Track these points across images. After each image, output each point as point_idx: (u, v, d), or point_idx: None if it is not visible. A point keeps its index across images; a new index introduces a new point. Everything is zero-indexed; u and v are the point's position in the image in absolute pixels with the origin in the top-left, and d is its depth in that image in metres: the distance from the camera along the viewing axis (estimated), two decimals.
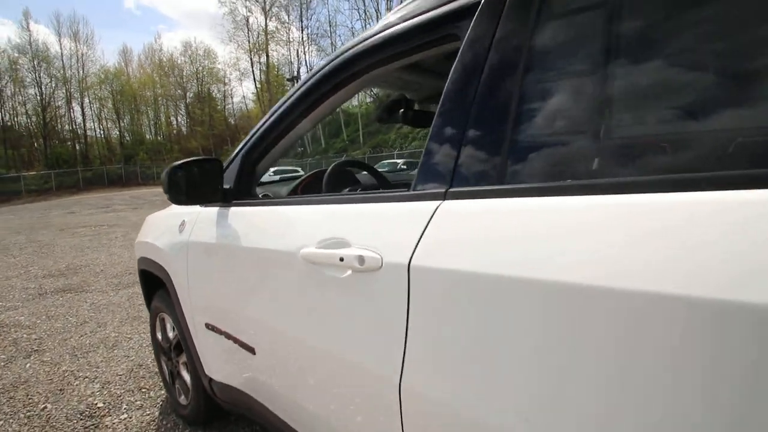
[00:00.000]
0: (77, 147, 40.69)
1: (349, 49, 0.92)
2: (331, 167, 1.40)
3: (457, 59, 0.66)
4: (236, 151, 1.20)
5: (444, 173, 0.63)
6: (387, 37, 0.83)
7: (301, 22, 37.51)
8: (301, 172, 20.71)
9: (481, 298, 0.53)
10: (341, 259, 0.71)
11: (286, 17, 37.66)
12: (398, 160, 17.35)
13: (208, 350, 1.30)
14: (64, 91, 39.61)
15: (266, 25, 38.01)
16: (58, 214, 12.68)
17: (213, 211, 1.22)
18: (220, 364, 1.26)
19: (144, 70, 44.49)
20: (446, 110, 0.66)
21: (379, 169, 1.70)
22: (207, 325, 1.24)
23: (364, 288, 0.69)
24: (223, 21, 64.20)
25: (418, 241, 0.61)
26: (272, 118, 1.09)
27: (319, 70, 0.99)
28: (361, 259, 0.68)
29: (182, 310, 1.38)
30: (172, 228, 1.42)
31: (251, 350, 1.04)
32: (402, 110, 1.45)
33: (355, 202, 0.80)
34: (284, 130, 1.10)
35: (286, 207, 0.97)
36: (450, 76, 0.67)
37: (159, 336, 1.76)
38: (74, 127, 41.01)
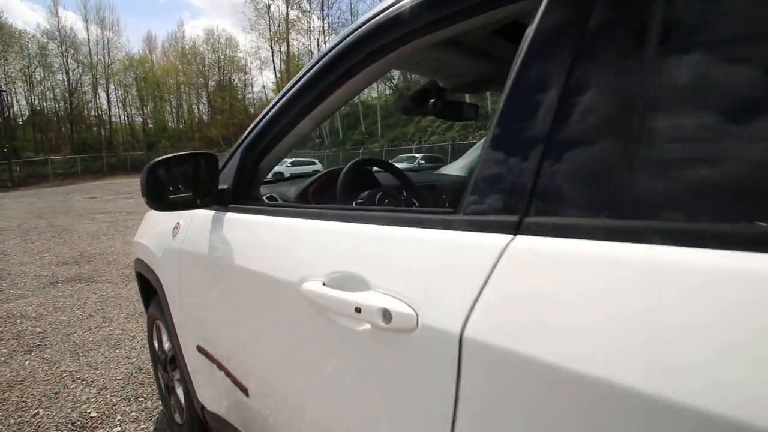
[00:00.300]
0: (102, 133, 41.67)
1: (371, 19, 0.71)
2: (346, 167, 1.19)
3: (535, 24, 0.44)
4: (236, 145, 1.01)
5: (515, 193, 0.42)
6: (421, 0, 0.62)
7: (323, 11, 37.23)
8: (318, 165, 20.68)
9: (592, 411, 0.32)
10: (357, 310, 0.51)
11: (307, 6, 37.45)
12: (417, 155, 17.07)
13: (199, 374, 1.13)
14: (90, 76, 40.56)
15: (287, 13, 37.89)
16: (80, 199, 12.91)
17: (208, 215, 1.03)
18: (211, 392, 1.09)
19: (167, 58, 45.10)
20: (517, 102, 0.45)
21: (397, 164, 1.48)
22: (198, 348, 1.06)
23: (388, 354, 0.49)
24: (245, 8, 64.31)
25: (478, 297, 0.40)
26: (279, 106, 0.90)
27: (334, 48, 0.78)
28: (386, 315, 0.47)
29: (173, 325, 1.21)
30: (166, 230, 1.25)
31: (244, 390, 0.86)
32: (433, 100, 1.24)
33: (379, 222, 0.58)
34: (293, 120, 0.90)
35: (290, 219, 0.77)
36: (523, 51, 0.45)
37: (156, 344, 1.61)
38: (99, 113, 42.00)
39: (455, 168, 2.04)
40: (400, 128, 26.18)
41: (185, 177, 0.91)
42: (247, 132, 0.99)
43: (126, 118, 43.78)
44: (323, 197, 1.30)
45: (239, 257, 0.83)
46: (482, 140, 1.99)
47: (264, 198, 1.13)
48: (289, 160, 18.32)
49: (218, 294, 0.93)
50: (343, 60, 0.77)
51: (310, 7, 37.64)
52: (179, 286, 1.13)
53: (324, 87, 0.82)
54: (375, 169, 1.44)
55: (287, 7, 37.87)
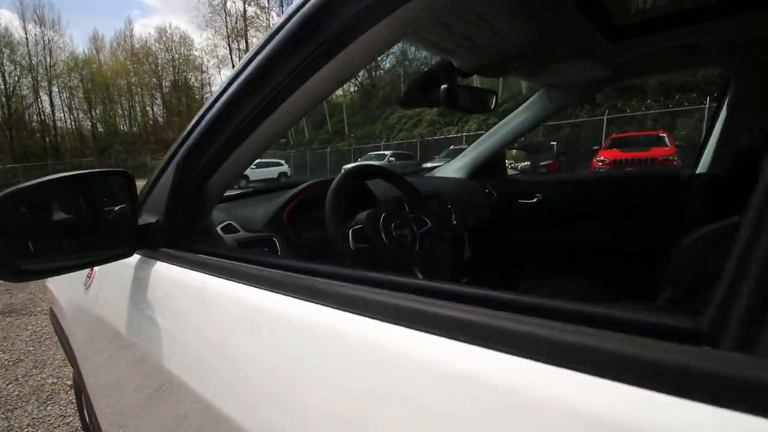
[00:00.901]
0: (47, 139, 38.65)
1: None
2: (336, 181, 0.86)
3: None
4: (167, 157, 0.67)
5: None
6: None
7: (282, 7, 36.15)
8: (285, 167, 19.86)
9: None
10: None
11: (265, 2, 36.26)
12: (386, 152, 16.80)
13: None
14: (30, 79, 37.47)
15: (245, 10, 36.56)
16: None
17: (129, 262, 0.68)
18: None
19: (116, 58, 42.39)
20: None
21: (367, 162, 1.17)
22: None
23: None
24: (200, 5, 61.66)
25: None
26: (232, 94, 0.57)
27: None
28: None
29: (96, 415, 0.85)
30: (78, 277, 0.88)
31: None
32: (444, 86, 0.94)
33: (475, 340, 0.25)
34: (256, 114, 0.56)
35: (266, 294, 0.43)
36: None
37: (86, 417, 1.23)
38: (43, 117, 38.92)
39: (452, 169, 1.75)
40: (368, 126, 25.82)
41: (77, 212, 0.56)
42: (182, 136, 0.64)
43: (73, 123, 40.85)
44: (306, 223, 0.96)
45: (169, 355, 0.49)
46: (492, 135, 1.67)
47: (218, 230, 0.79)
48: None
49: (147, 401, 0.59)
50: (322, 23, 0.45)
51: (269, 4, 36.46)
52: (95, 364, 0.77)
53: (302, 63, 0.50)
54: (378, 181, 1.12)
55: (244, 4, 36.51)
